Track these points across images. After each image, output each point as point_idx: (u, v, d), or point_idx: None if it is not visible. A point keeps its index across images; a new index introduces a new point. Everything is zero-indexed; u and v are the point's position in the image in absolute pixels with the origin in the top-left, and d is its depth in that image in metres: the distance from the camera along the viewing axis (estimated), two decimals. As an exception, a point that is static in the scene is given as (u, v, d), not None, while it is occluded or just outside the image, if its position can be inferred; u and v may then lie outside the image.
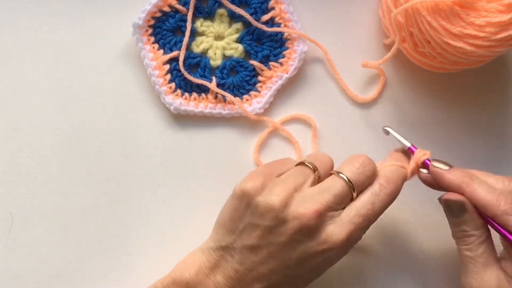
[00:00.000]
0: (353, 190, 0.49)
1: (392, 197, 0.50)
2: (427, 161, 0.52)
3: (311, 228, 0.47)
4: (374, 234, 0.58)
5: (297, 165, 0.52)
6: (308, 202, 0.48)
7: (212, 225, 0.53)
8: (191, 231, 0.57)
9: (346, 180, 0.49)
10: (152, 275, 0.52)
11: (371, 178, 0.50)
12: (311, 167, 0.51)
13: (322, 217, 0.48)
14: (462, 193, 0.50)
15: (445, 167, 0.51)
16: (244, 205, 0.49)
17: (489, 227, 0.50)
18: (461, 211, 0.49)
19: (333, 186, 0.49)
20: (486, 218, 0.49)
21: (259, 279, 0.49)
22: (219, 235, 0.50)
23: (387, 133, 0.55)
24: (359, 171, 0.50)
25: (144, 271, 0.56)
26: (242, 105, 0.58)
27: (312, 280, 0.51)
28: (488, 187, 0.49)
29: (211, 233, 0.52)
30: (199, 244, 0.53)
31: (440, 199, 0.52)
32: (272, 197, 0.48)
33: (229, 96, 0.58)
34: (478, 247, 0.49)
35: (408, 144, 0.53)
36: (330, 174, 0.50)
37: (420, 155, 0.52)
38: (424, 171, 0.52)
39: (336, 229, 0.48)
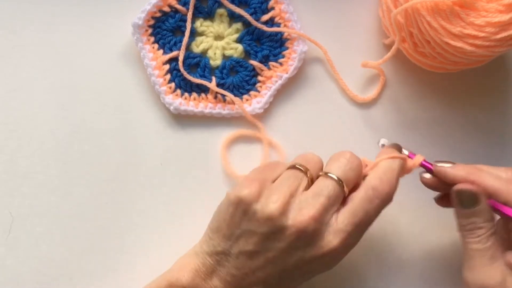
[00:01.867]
0: (343, 187, 0.49)
1: (387, 200, 0.49)
2: (429, 165, 0.52)
3: (309, 234, 0.47)
4: (373, 232, 0.58)
5: (288, 168, 0.51)
6: (304, 208, 0.48)
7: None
8: (191, 231, 0.57)
9: (336, 179, 0.49)
10: (151, 275, 0.52)
11: (359, 172, 0.50)
12: (303, 169, 0.50)
13: (319, 221, 0.48)
14: (472, 183, 0.50)
15: (449, 165, 0.51)
16: (240, 212, 0.49)
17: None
18: (474, 202, 0.49)
19: (325, 188, 0.49)
20: (497, 206, 0.49)
21: (256, 283, 0.49)
22: (214, 240, 0.50)
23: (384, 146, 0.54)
24: (347, 167, 0.50)
25: (143, 271, 0.56)
26: (242, 104, 0.58)
27: (307, 280, 0.51)
28: (496, 176, 0.50)
29: (204, 236, 0.52)
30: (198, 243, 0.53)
31: (437, 200, 0.52)
32: (270, 204, 0.48)
33: (229, 95, 0.58)
34: (487, 240, 0.49)
35: (406, 153, 0.53)
36: (318, 176, 0.50)
37: (420, 158, 0.52)
38: (427, 175, 0.52)
39: (332, 237, 0.48)
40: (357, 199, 0.49)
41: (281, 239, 0.48)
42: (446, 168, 0.51)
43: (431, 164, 0.52)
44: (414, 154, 0.52)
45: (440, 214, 0.54)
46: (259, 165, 0.54)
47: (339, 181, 0.49)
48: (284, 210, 0.48)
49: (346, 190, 0.49)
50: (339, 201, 0.49)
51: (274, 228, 0.48)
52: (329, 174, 0.49)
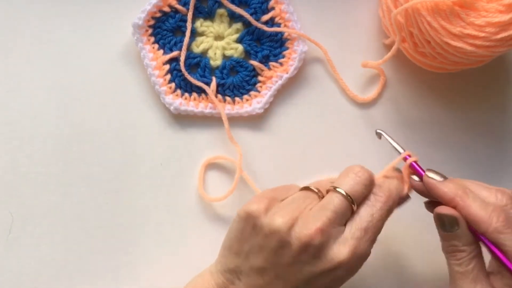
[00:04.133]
0: (353, 202, 0.49)
1: (389, 206, 0.49)
2: (421, 171, 0.51)
3: (316, 247, 0.47)
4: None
5: (301, 189, 0.51)
6: (310, 222, 0.47)
7: (212, 225, 0.53)
8: (191, 231, 0.57)
9: (344, 194, 0.49)
10: (152, 275, 0.52)
11: (369, 187, 0.50)
12: (315, 190, 0.50)
13: (325, 234, 0.47)
14: (455, 207, 0.48)
15: (440, 178, 0.50)
16: (249, 227, 0.49)
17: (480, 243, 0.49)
18: (453, 226, 0.48)
19: (331, 202, 0.48)
20: (477, 234, 0.48)
21: None
22: (226, 257, 0.50)
23: (380, 136, 0.54)
24: (355, 181, 0.49)
25: (144, 271, 0.56)
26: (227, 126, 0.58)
27: None
28: (482, 203, 0.48)
29: (218, 256, 0.52)
30: (198, 244, 0.53)
31: (426, 205, 0.52)
32: (277, 219, 0.48)
33: (227, 102, 0.59)
34: (469, 263, 0.48)
35: (400, 150, 0.52)
36: (328, 191, 0.50)
37: (413, 159, 0.51)
38: (416, 178, 0.51)
39: (340, 247, 0.47)
40: (362, 207, 0.49)
41: (288, 254, 0.47)
42: (435, 182, 0.50)
43: (423, 170, 0.51)
44: (410, 156, 0.52)
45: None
46: (273, 187, 0.54)
47: (347, 196, 0.48)
48: (291, 224, 0.48)
49: (354, 206, 0.49)
50: (346, 215, 0.49)
51: (281, 242, 0.47)
52: (337, 189, 0.49)
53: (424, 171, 0.51)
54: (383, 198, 0.49)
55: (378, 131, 0.54)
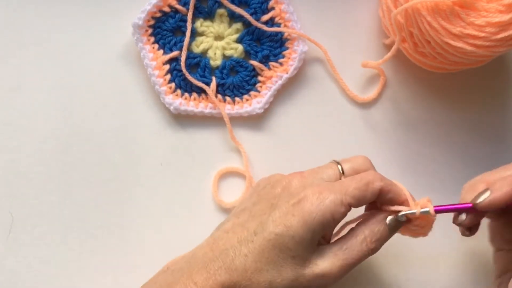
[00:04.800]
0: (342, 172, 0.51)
1: (371, 253, 0.49)
2: (463, 205, 0.49)
3: (293, 187, 0.49)
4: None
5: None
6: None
7: (212, 224, 0.53)
8: (191, 231, 0.57)
9: (340, 170, 0.51)
10: (151, 275, 0.52)
11: (371, 197, 0.50)
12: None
13: (304, 177, 0.50)
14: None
15: (486, 194, 0.48)
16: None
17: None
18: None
19: (325, 168, 0.52)
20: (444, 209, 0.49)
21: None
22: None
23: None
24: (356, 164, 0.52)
25: (144, 271, 0.56)
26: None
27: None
28: None
29: None
30: (199, 243, 0.52)
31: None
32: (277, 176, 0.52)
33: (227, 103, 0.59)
34: None
35: (413, 211, 0.49)
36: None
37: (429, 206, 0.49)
38: (462, 217, 0.50)
39: (321, 259, 0.48)
40: (353, 237, 0.49)
41: (269, 192, 0.51)
42: (489, 198, 0.48)
43: (451, 205, 0.49)
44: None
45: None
46: None
47: (341, 172, 0.51)
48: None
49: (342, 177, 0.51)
50: (330, 177, 0.51)
51: (270, 182, 0.52)
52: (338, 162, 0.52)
53: (460, 205, 0.49)
54: (373, 246, 0.49)
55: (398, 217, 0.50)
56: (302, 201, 0.48)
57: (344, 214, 0.48)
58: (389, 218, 0.50)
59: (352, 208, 0.49)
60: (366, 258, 0.49)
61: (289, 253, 0.47)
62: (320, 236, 0.48)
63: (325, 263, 0.48)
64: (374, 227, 0.49)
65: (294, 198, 0.48)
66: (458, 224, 0.50)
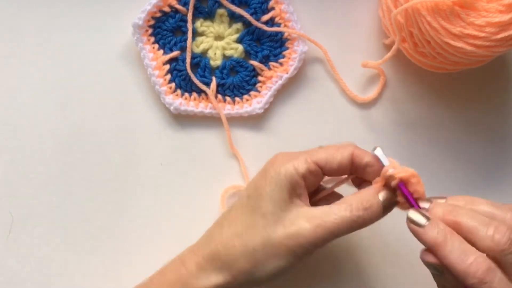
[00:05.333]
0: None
1: (361, 221, 0.48)
2: (414, 203, 0.48)
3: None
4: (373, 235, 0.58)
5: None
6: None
7: (212, 225, 0.53)
8: (191, 231, 0.57)
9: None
10: (151, 275, 0.52)
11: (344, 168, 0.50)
12: None
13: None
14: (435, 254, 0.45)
15: (423, 220, 0.46)
16: None
17: None
18: (439, 271, 0.46)
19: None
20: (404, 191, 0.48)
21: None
22: None
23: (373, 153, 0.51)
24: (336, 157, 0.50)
25: (144, 271, 0.56)
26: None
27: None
28: (461, 253, 0.44)
29: None
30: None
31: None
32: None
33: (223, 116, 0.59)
34: None
35: (388, 171, 0.48)
36: None
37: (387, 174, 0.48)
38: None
39: (297, 218, 0.48)
40: (337, 204, 0.48)
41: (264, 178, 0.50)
42: (418, 230, 0.46)
43: (413, 202, 0.48)
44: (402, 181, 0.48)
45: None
46: None
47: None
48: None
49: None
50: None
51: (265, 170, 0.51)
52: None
53: (413, 201, 0.48)
54: (360, 216, 0.47)
55: (375, 153, 0.50)
56: (271, 163, 0.50)
57: (308, 171, 0.48)
58: (383, 192, 0.49)
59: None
60: (352, 228, 0.47)
61: (259, 211, 0.48)
62: (291, 195, 0.48)
63: (300, 222, 0.47)
64: (364, 197, 0.48)
65: (267, 165, 0.50)
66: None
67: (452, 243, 0.45)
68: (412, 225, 0.46)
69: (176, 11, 0.59)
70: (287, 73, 0.59)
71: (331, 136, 0.60)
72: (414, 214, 0.47)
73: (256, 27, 0.59)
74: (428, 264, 0.46)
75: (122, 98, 0.59)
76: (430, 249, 0.46)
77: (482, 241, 0.44)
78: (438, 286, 0.49)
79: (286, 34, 0.59)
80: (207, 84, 0.59)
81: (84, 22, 0.59)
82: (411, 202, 0.48)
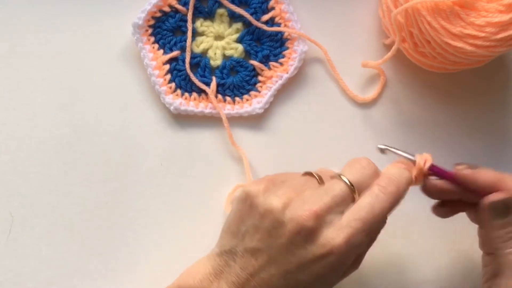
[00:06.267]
0: (354, 192, 0.47)
1: (393, 198, 0.47)
2: (445, 170, 0.49)
3: (309, 229, 0.46)
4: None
5: (303, 174, 0.51)
6: (306, 203, 0.47)
7: (212, 225, 0.53)
8: (191, 231, 0.57)
9: (347, 182, 0.47)
10: (152, 275, 0.52)
11: (373, 179, 0.48)
12: (316, 177, 0.49)
13: (320, 218, 0.46)
14: (499, 190, 0.48)
15: (469, 170, 0.49)
16: (247, 207, 0.48)
17: None
18: (510, 209, 0.47)
19: (332, 188, 0.47)
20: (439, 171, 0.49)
21: (260, 285, 0.47)
22: (223, 239, 0.50)
23: (382, 151, 0.52)
24: (360, 172, 0.48)
25: (144, 271, 0.56)
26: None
27: None
28: None
29: (218, 239, 0.51)
30: (199, 244, 0.53)
31: (436, 209, 0.51)
32: (273, 198, 0.47)
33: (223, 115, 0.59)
34: None
35: (411, 157, 0.50)
36: (332, 178, 0.49)
37: (422, 160, 0.50)
38: (436, 179, 0.50)
39: (335, 232, 0.46)
40: (362, 196, 0.47)
41: (282, 235, 0.46)
42: (474, 172, 0.49)
43: (441, 169, 0.50)
44: (426, 160, 0.50)
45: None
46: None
47: (350, 185, 0.47)
48: (286, 204, 0.47)
49: (356, 196, 0.48)
50: (345, 204, 0.47)
51: (275, 222, 0.46)
52: (341, 176, 0.48)
53: (445, 170, 0.50)
54: (388, 191, 0.47)
55: (380, 146, 0.52)
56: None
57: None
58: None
59: None
60: (391, 206, 0.48)
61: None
62: None
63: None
64: (387, 175, 0.49)
65: (318, 249, 0.46)
66: (429, 187, 0.51)
67: (509, 175, 0.47)
68: (466, 171, 0.48)
69: (176, 11, 0.59)
70: (287, 73, 0.59)
71: (331, 136, 0.60)
72: (461, 166, 0.49)
73: (256, 27, 0.59)
74: (497, 207, 0.47)
75: (122, 98, 0.59)
76: (491, 188, 0.48)
77: None
78: (500, 239, 0.49)
79: (286, 34, 0.59)
80: (207, 84, 0.59)
81: (84, 22, 0.59)
82: (447, 173, 0.50)
